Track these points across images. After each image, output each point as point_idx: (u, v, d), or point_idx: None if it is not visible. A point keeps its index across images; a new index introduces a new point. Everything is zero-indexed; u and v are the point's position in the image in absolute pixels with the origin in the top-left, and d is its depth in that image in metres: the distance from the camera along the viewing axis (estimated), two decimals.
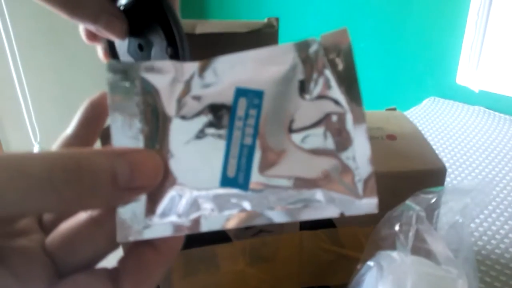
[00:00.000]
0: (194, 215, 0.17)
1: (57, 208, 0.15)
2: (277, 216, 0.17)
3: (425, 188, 0.35)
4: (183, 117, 0.18)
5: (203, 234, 0.18)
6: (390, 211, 0.34)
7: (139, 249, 0.18)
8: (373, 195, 0.17)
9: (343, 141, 0.18)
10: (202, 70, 0.18)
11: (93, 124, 0.21)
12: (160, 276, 0.18)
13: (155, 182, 0.17)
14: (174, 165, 0.18)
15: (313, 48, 0.18)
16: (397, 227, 0.33)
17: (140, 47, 0.31)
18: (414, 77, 1.11)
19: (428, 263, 0.32)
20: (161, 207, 0.17)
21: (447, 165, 0.49)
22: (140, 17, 0.30)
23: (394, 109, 0.51)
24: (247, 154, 0.18)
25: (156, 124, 0.18)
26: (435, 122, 0.89)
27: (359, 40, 1.14)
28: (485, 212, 0.61)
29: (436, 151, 0.41)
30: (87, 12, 0.28)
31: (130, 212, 0.17)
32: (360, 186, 0.17)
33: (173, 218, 0.17)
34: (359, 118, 0.18)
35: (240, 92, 0.18)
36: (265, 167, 0.18)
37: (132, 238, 0.17)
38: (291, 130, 0.18)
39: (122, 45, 0.32)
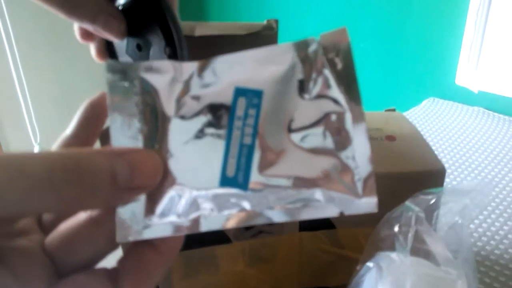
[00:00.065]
0: (193, 215, 0.17)
1: (57, 208, 0.15)
2: (277, 216, 0.17)
3: (425, 189, 0.35)
4: (182, 117, 0.18)
5: (202, 235, 0.18)
6: (389, 212, 0.34)
7: (138, 249, 0.18)
8: (373, 194, 0.17)
9: (342, 140, 0.18)
10: (201, 70, 0.18)
11: (93, 125, 0.21)
12: (160, 276, 0.18)
13: (155, 182, 0.17)
14: (174, 165, 0.18)
15: (312, 48, 0.18)
16: (396, 228, 0.33)
17: (139, 47, 0.31)
18: (414, 77, 1.11)
19: (427, 264, 0.32)
20: (160, 207, 0.17)
21: (446, 165, 0.49)
22: (138, 17, 0.30)
23: (393, 110, 0.51)
24: (246, 153, 0.18)
25: (155, 124, 0.18)
26: (434, 122, 0.89)
27: (359, 40, 1.14)
28: (484, 212, 0.61)
29: (436, 152, 0.41)
30: (85, 12, 0.28)
31: (130, 212, 0.17)
32: (359, 185, 0.17)
33: (172, 218, 0.17)
34: (359, 117, 0.18)
35: (239, 92, 0.18)
36: (264, 166, 0.18)
37: (131, 238, 0.17)
38: (290, 130, 0.18)
39: (120, 45, 0.32)
